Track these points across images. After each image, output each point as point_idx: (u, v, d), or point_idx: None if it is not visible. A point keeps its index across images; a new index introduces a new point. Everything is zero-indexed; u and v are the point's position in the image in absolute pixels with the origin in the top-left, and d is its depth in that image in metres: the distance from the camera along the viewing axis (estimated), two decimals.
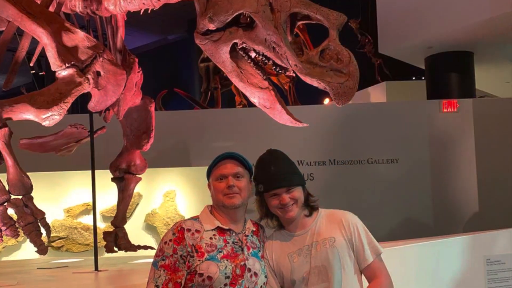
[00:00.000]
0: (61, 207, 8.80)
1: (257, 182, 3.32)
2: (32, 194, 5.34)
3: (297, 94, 13.50)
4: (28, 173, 5.33)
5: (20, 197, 5.27)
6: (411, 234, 8.07)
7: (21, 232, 5.32)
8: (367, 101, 16.25)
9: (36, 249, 5.35)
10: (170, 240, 3.10)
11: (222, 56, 4.36)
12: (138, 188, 7.30)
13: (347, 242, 3.24)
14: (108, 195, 7.88)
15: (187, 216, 7.33)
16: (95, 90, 5.26)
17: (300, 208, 3.30)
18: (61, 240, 8.65)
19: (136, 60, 5.91)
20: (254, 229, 3.35)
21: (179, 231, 3.13)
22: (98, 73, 5.21)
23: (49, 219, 5.61)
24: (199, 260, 3.04)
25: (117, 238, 6.41)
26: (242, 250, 3.17)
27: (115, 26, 5.87)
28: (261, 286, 3.19)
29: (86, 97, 5.48)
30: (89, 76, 5.11)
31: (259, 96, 4.35)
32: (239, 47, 4.30)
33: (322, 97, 16.67)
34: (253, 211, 3.43)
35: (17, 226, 5.26)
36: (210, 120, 10.72)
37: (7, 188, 5.27)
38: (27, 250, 8.28)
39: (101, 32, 5.98)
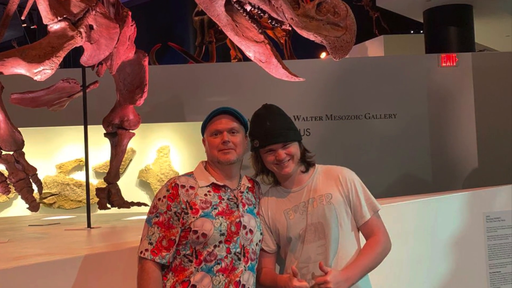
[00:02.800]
0: (53, 163, 8.76)
1: (253, 137, 3.28)
2: (23, 150, 5.34)
3: (293, 48, 13.45)
4: (19, 129, 5.32)
5: (11, 153, 5.27)
6: (409, 191, 8.08)
7: (12, 189, 5.31)
8: (364, 55, 16.28)
9: (27, 205, 5.36)
10: (164, 197, 3.08)
11: (217, 10, 4.29)
12: (132, 144, 7.25)
13: (344, 198, 3.21)
14: (101, 151, 7.85)
15: (181, 172, 7.34)
16: (88, 44, 5.19)
17: (296, 164, 3.26)
18: (53, 196, 8.63)
19: (130, 13, 5.80)
20: (250, 186, 3.34)
21: (173, 187, 3.10)
22: (91, 27, 5.14)
23: (40, 175, 5.61)
24: (193, 217, 3.02)
25: (110, 195, 6.36)
26: (237, 206, 3.15)
27: None
28: (256, 243, 3.18)
29: (79, 51, 5.40)
30: (81, 30, 5.04)
31: (254, 50, 4.29)
32: (234, 0, 4.22)
33: (318, 51, 16.66)
34: (248, 167, 3.41)
35: (8, 182, 5.27)
36: (204, 75, 10.67)
37: None
38: (18, 207, 8.28)
39: None
